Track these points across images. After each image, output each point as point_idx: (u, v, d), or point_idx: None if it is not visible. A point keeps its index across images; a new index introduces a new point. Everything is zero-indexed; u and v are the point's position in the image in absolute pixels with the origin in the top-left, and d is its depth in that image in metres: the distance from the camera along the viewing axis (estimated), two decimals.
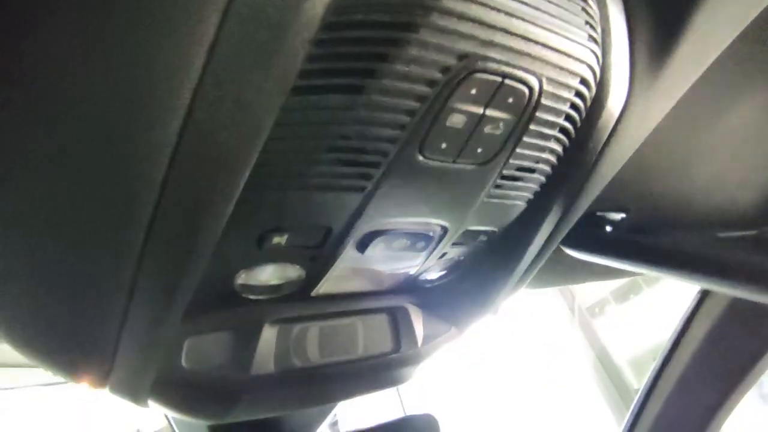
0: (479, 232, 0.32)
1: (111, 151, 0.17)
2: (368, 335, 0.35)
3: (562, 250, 0.53)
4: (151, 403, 0.29)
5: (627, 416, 0.97)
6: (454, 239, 0.30)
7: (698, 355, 0.89)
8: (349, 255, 0.28)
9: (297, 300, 0.32)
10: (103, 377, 0.25)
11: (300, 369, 0.31)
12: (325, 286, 0.31)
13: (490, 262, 0.37)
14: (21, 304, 0.22)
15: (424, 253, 0.31)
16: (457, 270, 0.36)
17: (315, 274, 0.29)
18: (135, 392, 0.28)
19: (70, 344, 0.23)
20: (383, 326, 0.36)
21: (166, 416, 0.43)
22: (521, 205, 0.31)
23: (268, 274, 0.28)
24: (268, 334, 0.30)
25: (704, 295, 0.88)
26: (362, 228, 0.26)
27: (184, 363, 0.28)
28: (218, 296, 0.28)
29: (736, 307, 0.85)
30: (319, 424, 0.47)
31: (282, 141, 0.20)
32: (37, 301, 0.22)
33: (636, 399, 0.96)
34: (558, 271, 0.57)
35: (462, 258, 0.35)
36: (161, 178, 0.17)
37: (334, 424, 1.30)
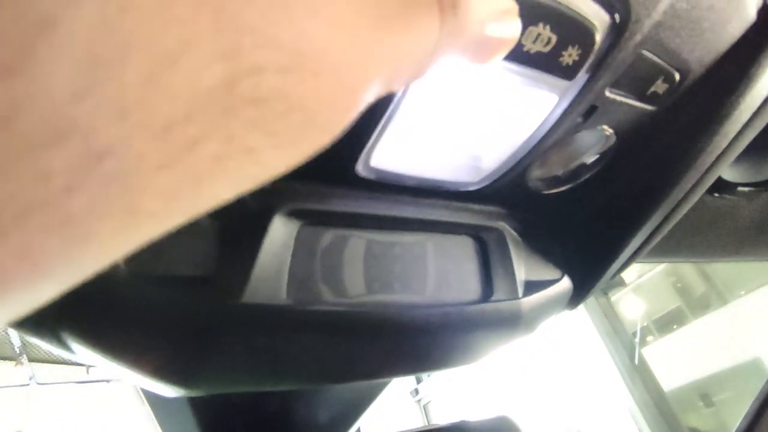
0: (653, 75, 0.18)
1: None
2: (443, 266, 0.21)
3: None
4: (69, 341, 0.16)
5: None
6: (622, 63, 0.17)
7: None
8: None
9: (333, 175, 0.18)
10: None
11: (332, 307, 0.18)
12: (381, 152, 0.17)
13: (628, 177, 0.23)
14: None
15: (564, 91, 0.17)
16: (584, 173, 0.22)
17: (369, 114, 0.16)
18: (39, 316, 0.15)
19: None
20: (466, 255, 0.22)
21: (141, 393, 0.29)
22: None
23: None
24: (281, 234, 0.17)
25: None
26: None
27: (121, 263, 0.15)
28: None
29: None
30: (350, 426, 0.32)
31: None
32: None
33: None
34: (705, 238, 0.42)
35: (602, 149, 0.21)
36: None
37: None
